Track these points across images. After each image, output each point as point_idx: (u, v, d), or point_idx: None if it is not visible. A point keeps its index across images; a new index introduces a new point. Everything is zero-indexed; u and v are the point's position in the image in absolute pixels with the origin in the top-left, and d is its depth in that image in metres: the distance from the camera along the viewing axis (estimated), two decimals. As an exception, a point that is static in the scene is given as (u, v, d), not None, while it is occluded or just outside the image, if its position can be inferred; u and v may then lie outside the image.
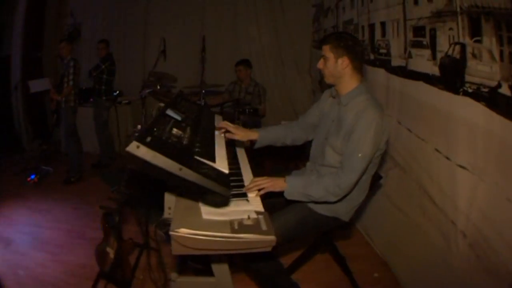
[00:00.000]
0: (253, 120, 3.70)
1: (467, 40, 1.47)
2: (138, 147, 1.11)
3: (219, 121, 2.16)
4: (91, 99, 4.37)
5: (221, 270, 1.57)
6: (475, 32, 1.42)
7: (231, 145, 2.04)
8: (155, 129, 1.34)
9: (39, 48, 4.96)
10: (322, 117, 1.78)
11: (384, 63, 2.41)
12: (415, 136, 2.03)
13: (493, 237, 1.41)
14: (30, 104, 4.76)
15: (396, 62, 2.25)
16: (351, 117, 1.51)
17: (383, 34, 2.42)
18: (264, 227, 1.20)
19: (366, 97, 1.54)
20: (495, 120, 1.37)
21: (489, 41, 1.35)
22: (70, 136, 3.85)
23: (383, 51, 2.44)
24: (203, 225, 1.18)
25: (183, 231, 1.13)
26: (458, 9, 1.49)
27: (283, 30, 4.62)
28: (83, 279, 2.13)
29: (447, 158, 1.70)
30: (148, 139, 1.19)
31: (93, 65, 4.02)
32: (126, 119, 4.60)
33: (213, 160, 1.37)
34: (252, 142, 1.95)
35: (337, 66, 1.55)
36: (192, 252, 1.15)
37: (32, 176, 3.80)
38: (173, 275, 1.65)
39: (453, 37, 1.57)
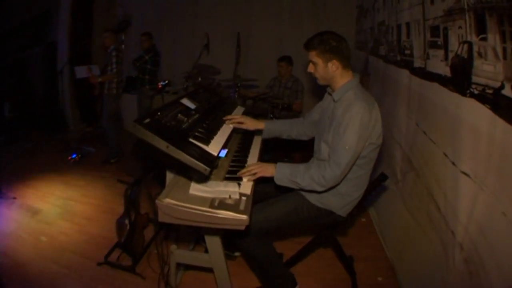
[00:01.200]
0: (287, 116, 3.78)
1: (474, 38, 1.40)
2: (134, 126, 1.28)
3: (239, 112, 2.30)
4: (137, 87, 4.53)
5: (214, 246, 1.68)
6: (481, 29, 1.34)
7: (250, 135, 2.19)
8: (158, 113, 1.50)
9: (86, 36, 5.17)
10: (322, 114, 1.82)
11: (408, 64, 2.34)
12: (429, 140, 1.96)
13: (486, 254, 1.32)
14: (78, 87, 5.01)
15: (417, 63, 2.19)
16: (340, 111, 1.54)
17: (408, 35, 2.36)
18: (242, 207, 1.29)
19: (354, 91, 1.56)
20: (498, 124, 1.28)
21: (493, 38, 1.27)
22: (111, 122, 4.02)
23: (407, 52, 2.37)
24: (186, 199, 1.31)
25: (167, 201, 1.27)
26: (466, 6, 1.42)
27: (325, 29, 4.63)
28: (102, 248, 2.32)
29: (453, 163, 1.62)
30: (147, 120, 1.36)
31: (137, 56, 4.24)
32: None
33: (207, 144, 1.49)
34: None
35: (328, 70, 1.59)
36: (174, 221, 1.28)
37: (74, 155, 4.07)
38: (172, 247, 1.79)
39: (462, 35, 1.50)
